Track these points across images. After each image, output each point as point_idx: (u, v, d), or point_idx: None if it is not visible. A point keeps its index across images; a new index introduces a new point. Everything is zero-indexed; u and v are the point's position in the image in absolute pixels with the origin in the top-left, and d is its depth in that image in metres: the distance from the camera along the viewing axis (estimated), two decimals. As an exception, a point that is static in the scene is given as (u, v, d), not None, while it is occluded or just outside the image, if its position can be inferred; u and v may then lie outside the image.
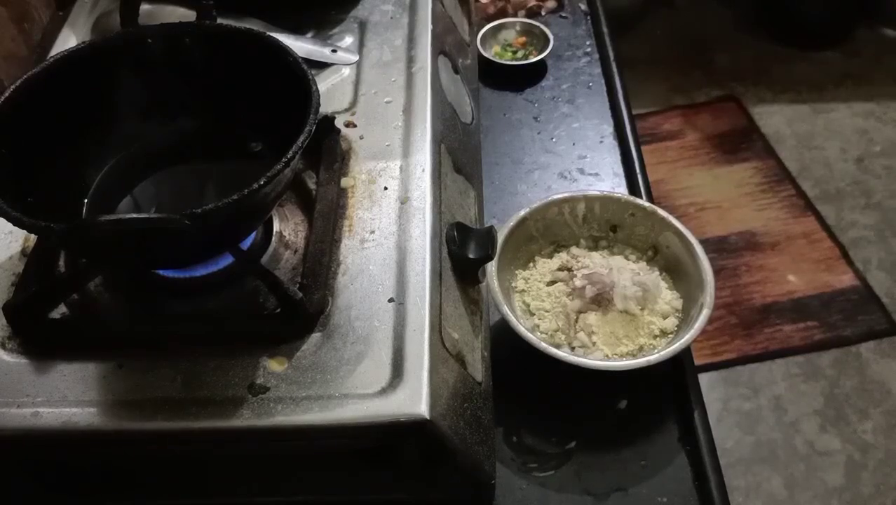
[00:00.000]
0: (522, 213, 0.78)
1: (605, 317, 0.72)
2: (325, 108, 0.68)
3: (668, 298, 0.74)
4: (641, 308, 0.73)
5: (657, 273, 0.77)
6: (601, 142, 0.95)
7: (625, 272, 0.74)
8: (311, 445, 0.55)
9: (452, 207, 0.68)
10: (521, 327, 0.69)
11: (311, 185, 0.67)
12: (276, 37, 0.63)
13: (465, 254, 0.64)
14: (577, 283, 0.73)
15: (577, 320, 0.72)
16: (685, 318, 0.73)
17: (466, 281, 0.66)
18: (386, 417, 0.53)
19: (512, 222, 0.77)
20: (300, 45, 0.77)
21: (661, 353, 0.68)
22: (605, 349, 0.71)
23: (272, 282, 0.58)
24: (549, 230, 0.80)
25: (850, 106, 2.24)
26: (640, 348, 0.72)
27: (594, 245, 0.80)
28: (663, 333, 0.72)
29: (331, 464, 0.58)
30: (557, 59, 1.07)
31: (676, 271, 0.77)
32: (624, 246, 0.80)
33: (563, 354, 0.68)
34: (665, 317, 0.73)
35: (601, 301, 0.72)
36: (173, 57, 0.65)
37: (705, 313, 0.70)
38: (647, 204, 0.79)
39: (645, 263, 0.78)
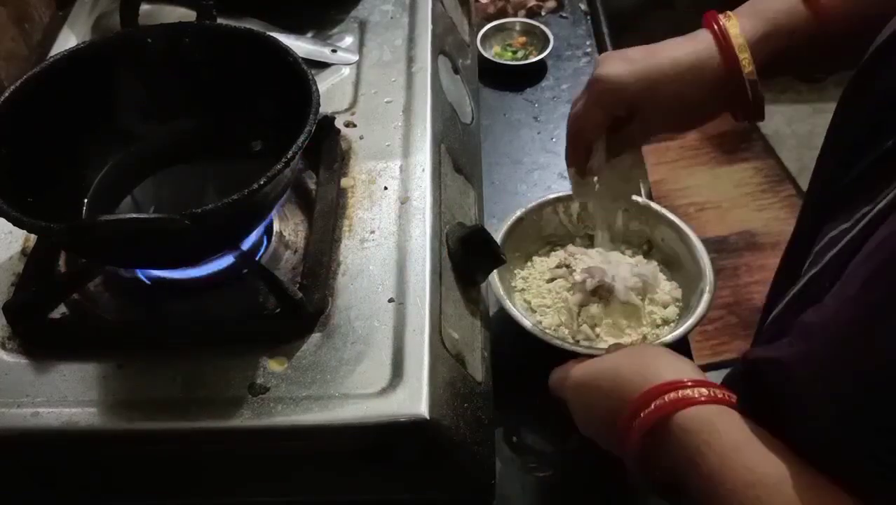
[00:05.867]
0: (518, 213, 0.78)
1: (607, 308, 0.72)
2: (325, 108, 0.68)
3: (667, 288, 0.75)
4: (642, 298, 0.73)
5: (655, 265, 0.77)
6: (601, 142, 0.95)
7: (623, 265, 0.74)
8: (311, 445, 0.55)
9: (452, 207, 0.68)
10: (526, 320, 0.69)
11: (311, 185, 0.67)
12: (276, 37, 0.63)
13: (472, 269, 0.65)
14: (577, 277, 0.73)
15: (579, 314, 0.73)
16: (685, 306, 0.73)
17: (466, 281, 0.66)
18: (386, 417, 0.53)
19: (509, 222, 0.77)
20: (300, 45, 0.77)
21: (666, 338, 0.68)
22: (609, 340, 0.71)
23: (272, 282, 0.58)
24: (545, 230, 0.80)
25: (850, 106, 2.24)
26: (644, 338, 0.72)
27: (590, 243, 0.80)
28: (665, 322, 0.73)
29: (331, 464, 0.58)
30: (557, 59, 1.07)
31: (673, 264, 0.77)
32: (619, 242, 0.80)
33: (567, 344, 0.68)
34: (666, 306, 0.73)
35: (602, 293, 0.72)
36: (173, 57, 0.65)
37: (706, 298, 0.70)
38: (640, 199, 0.79)
39: (641, 257, 0.78)
